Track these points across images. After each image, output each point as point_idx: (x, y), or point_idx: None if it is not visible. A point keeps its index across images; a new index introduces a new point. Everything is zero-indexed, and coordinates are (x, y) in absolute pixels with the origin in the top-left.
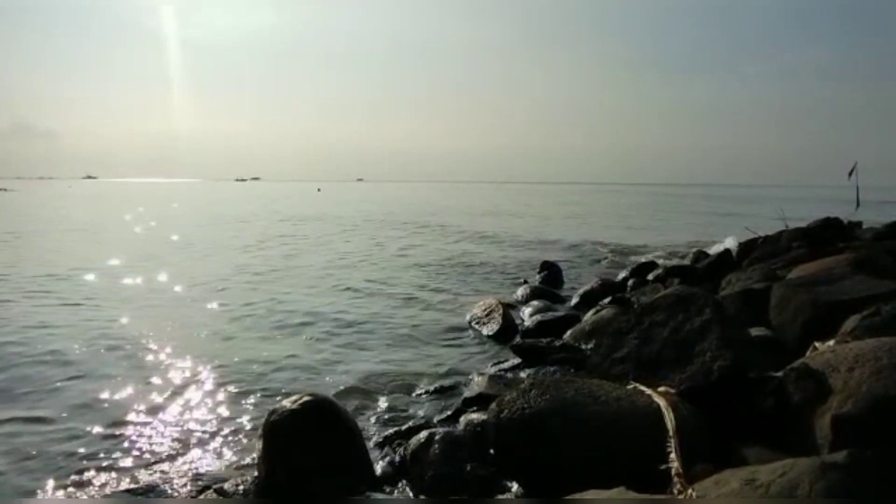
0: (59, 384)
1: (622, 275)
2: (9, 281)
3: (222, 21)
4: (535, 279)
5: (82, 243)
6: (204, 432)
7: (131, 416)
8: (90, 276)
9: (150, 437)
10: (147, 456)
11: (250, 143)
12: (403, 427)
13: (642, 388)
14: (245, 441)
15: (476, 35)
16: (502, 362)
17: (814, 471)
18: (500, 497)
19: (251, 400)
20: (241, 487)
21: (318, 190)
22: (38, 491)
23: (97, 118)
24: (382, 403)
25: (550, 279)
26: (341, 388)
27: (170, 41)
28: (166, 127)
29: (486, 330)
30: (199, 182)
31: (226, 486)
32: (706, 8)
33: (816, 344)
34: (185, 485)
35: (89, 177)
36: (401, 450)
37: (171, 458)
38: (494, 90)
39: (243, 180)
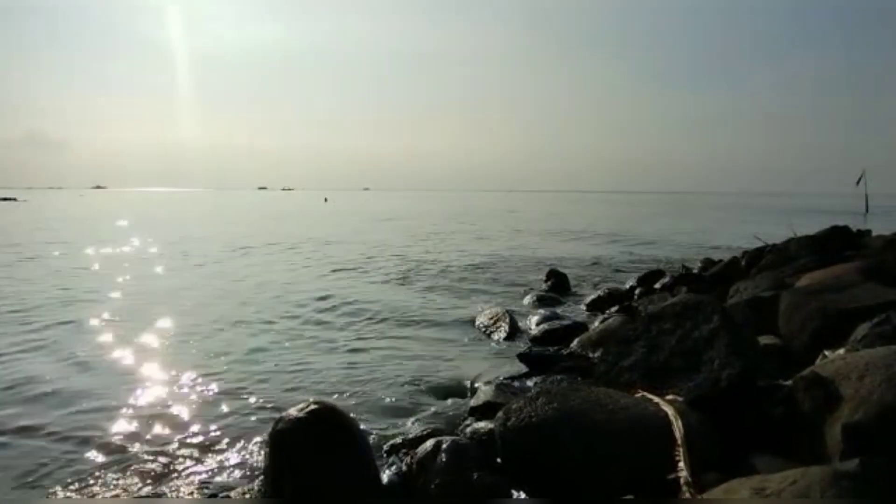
0: (64, 386)
1: (629, 283)
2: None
3: (230, 33)
4: (542, 287)
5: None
6: (210, 440)
7: (136, 421)
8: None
9: (155, 444)
10: (152, 464)
11: (256, 152)
12: (410, 435)
13: (650, 396)
14: (252, 449)
15: (479, 47)
16: (509, 371)
17: (825, 479)
18: (507, 500)
19: (257, 407)
20: (247, 496)
21: (325, 200)
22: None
23: (106, 128)
24: (388, 411)
25: (557, 287)
26: (347, 395)
27: (179, 53)
28: (173, 137)
29: (493, 338)
30: (210, 192)
31: (232, 494)
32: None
33: (826, 352)
34: (191, 493)
35: (98, 186)
36: (407, 458)
37: (177, 466)
38: (497, 101)
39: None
